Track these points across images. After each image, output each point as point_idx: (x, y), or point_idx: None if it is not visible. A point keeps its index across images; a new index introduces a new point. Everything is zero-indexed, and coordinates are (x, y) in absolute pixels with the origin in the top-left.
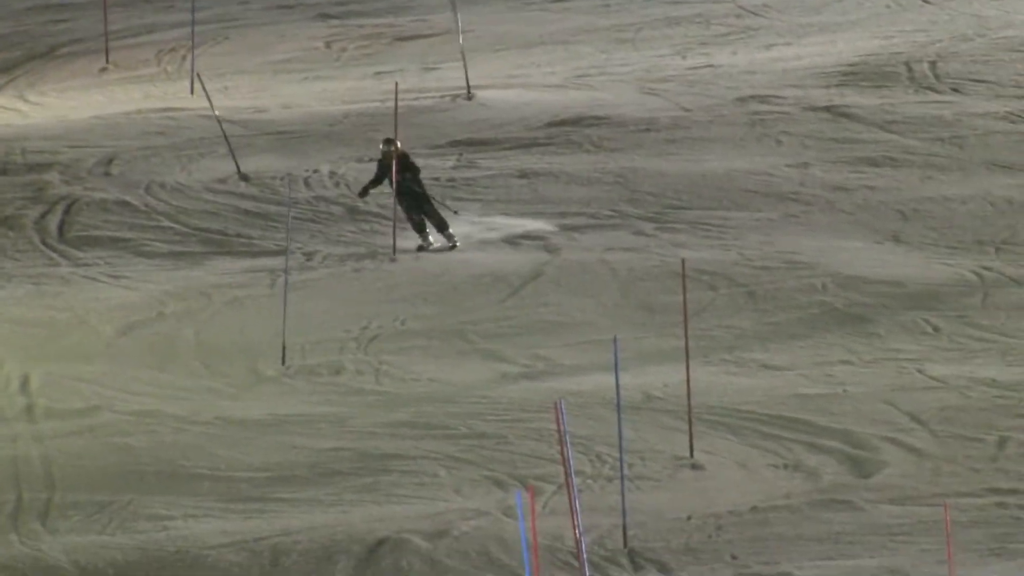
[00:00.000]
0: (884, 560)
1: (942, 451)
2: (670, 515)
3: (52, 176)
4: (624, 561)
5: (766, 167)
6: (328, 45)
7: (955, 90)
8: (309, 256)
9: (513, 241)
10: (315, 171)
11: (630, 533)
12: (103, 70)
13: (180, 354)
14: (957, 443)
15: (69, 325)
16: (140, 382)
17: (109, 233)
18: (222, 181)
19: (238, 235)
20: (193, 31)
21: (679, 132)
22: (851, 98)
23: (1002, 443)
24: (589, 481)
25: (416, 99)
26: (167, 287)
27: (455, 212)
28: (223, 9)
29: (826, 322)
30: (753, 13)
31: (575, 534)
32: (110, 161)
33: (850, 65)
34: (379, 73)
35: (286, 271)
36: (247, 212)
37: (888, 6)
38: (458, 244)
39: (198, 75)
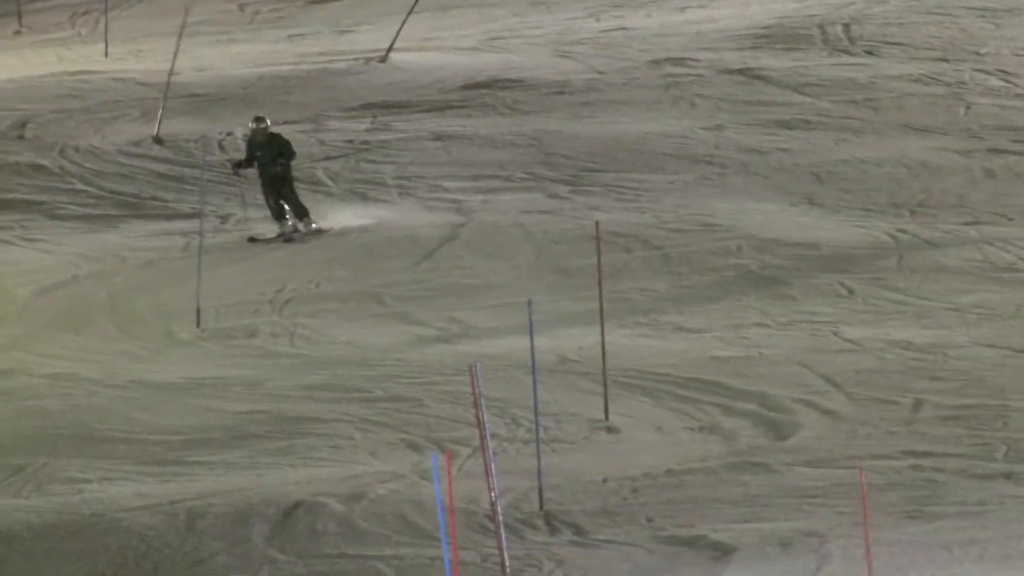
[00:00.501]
0: (800, 523)
1: (857, 414)
2: (585, 478)
3: None
4: (540, 524)
5: (680, 130)
6: (241, 8)
7: (869, 52)
8: (223, 219)
9: (428, 204)
10: (229, 134)
11: (546, 496)
12: (16, 33)
13: (94, 317)
14: (872, 406)
15: None
16: (55, 345)
17: (23, 196)
18: (136, 144)
19: (152, 198)
20: None
21: (593, 95)
22: (765, 61)
23: (917, 406)
24: (505, 444)
25: (330, 62)
26: (81, 250)
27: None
28: None
29: (741, 285)
30: None
31: (491, 497)
32: (23, 124)
33: (764, 28)
34: (292, 36)
35: (200, 234)
36: (161, 175)
37: None
38: (323, 228)
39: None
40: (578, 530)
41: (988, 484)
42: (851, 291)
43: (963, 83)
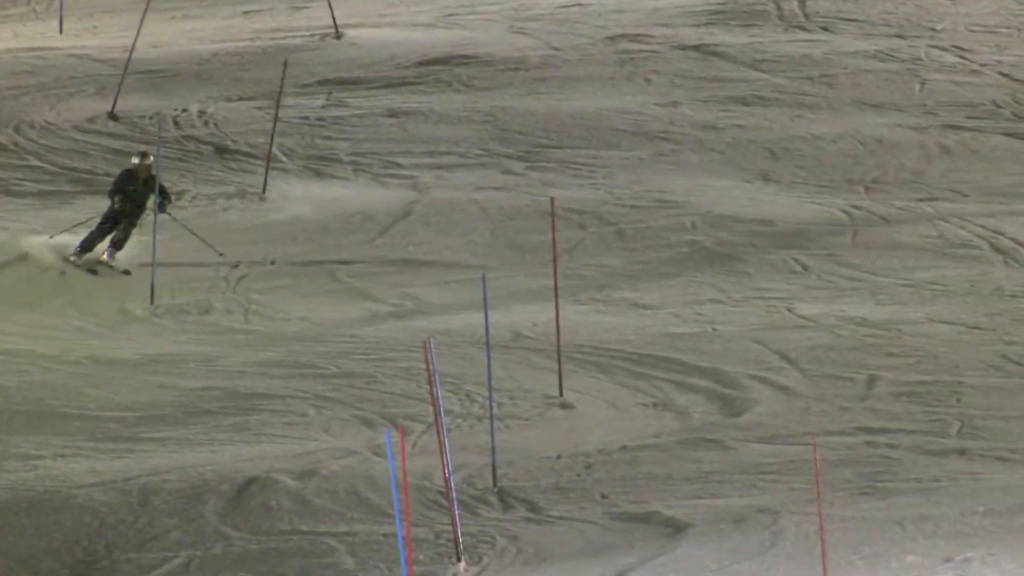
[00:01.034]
0: (754, 499)
1: (812, 390)
2: (539, 454)
3: None
4: (493, 500)
5: (636, 106)
6: None
7: (825, 28)
8: (178, 195)
9: (383, 180)
10: (184, 110)
11: (499, 472)
12: None
13: (49, 293)
14: (827, 382)
15: None
16: (9, 322)
17: None
18: (91, 121)
19: (107, 174)
20: None
21: (548, 71)
22: (720, 37)
23: (871, 382)
24: (459, 420)
25: (284, 38)
26: (36, 226)
27: (221, 254)
28: None
29: (696, 261)
30: None
31: (444, 473)
32: None
33: (719, 4)
34: (248, 12)
35: (155, 210)
36: (116, 151)
37: None
38: (125, 270)
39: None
40: (532, 506)
41: (942, 460)
42: (805, 267)
43: (918, 59)
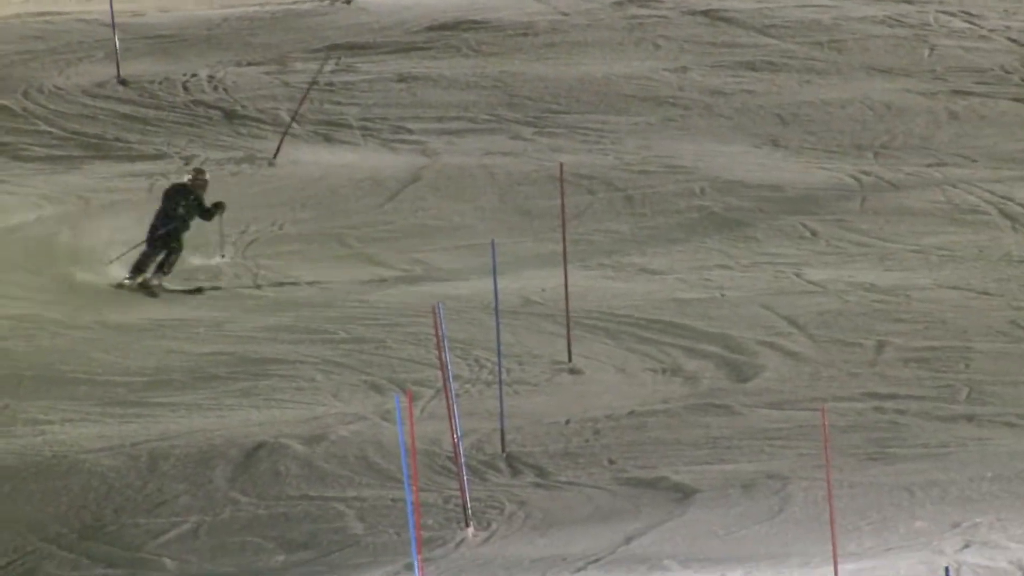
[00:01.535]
0: (762, 464)
1: (820, 355)
2: (548, 420)
3: None
4: (502, 465)
5: (644, 71)
6: None
7: None
8: (187, 160)
9: (392, 146)
10: (194, 75)
11: (508, 438)
12: None
13: (58, 258)
14: (835, 347)
15: None
16: (18, 286)
17: None
18: (100, 85)
19: (116, 139)
20: None
21: (557, 36)
22: (729, 2)
23: (880, 347)
24: (467, 386)
25: (295, 3)
26: (44, 191)
27: (223, 256)
28: None
29: (704, 226)
30: None
31: (453, 439)
32: None
33: None
34: None
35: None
36: (125, 116)
37: None
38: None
39: None
40: (540, 472)
41: (950, 426)
42: (814, 233)
43: (927, 24)
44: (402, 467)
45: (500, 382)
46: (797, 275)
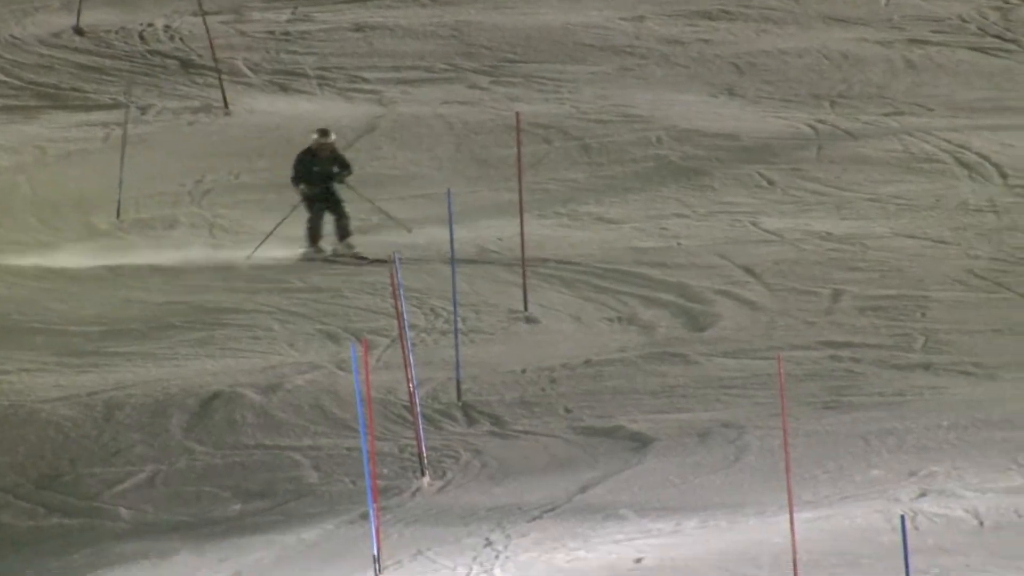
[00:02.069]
0: (718, 413)
1: (776, 304)
2: (504, 368)
3: None
4: (458, 414)
5: (601, 20)
6: None
7: None
8: (144, 110)
9: (348, 95)
10: (150, 25)
11: (464, 387)
12: None
13: (14, 208)
14: (791, 296)
15: None
16: None
17: None
18: (57, 35)
19: (72, 89)
20: None
21: None
22: None
23: (836, 296)
24: (423, 335)
25: None
26: (1, 141)
27: (409, 230)
28: None
29: (661, 175)
30: None
31: (409, 387)
32: None
33: None
34: None
35: (124, 125)
36: (81, 66)
37: None
38: (364, 256)
39: None
40: (496, 421)
41: (906, 375)
42: (771, 182)
43: None
44: (358, 416)
45: (456, 331)
46: (753, 224)
